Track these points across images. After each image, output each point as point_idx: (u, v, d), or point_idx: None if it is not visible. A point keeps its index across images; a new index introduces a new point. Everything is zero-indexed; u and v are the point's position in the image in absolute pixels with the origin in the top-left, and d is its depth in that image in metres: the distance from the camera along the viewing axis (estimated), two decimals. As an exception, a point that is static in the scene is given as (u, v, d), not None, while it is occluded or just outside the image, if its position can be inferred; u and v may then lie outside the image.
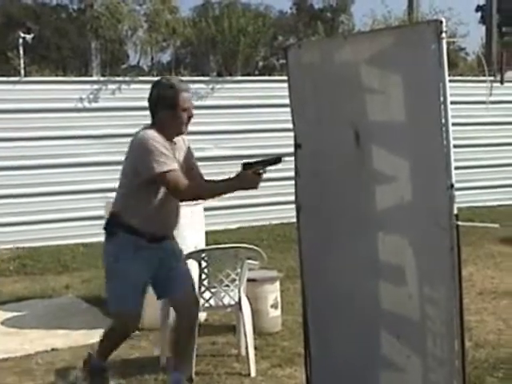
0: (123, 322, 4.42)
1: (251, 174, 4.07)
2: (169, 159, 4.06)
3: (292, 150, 4.11)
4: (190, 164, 4.39)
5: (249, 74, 12.36)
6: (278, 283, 6.08)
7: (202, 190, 4.36)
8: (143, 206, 4.21)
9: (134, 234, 4.22)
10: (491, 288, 7.12)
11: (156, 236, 4.31)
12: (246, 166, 4.10)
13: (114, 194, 7.26)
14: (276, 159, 4.09)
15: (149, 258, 4.30)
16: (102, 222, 7.06)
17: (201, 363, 5.16)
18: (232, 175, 4.16)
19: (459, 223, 3.41)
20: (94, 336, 5.87)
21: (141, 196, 4.19)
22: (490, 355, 5.16)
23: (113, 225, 4.32)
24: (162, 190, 4.18)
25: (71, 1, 37.19)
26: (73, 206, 10.50)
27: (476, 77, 13.17)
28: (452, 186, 3.38)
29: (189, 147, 4.44)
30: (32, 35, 20.56)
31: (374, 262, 3.74)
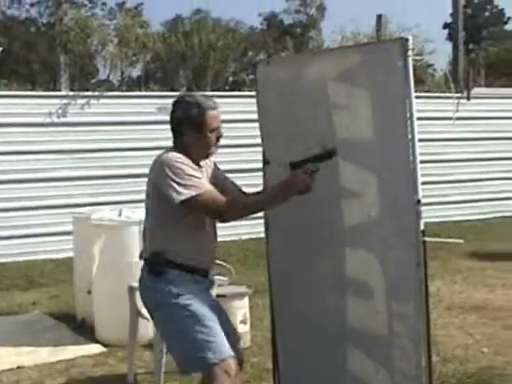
0: (223, 378, 3.45)
1: (301, 175, 3.45)
2: (199, 180, 3.49)
3: (260, 165, 4.12)
4: (222, 184, 3.78)
5: (219, 89, 12.37)
6: (246, 299, 6.06)
7: (245, 204, 3.62)
8: (186, 236, 3.59)
9: (185, 270, 3.59)
10: (459, 303, 7.16)
11: (207, 268, 3.73)
12: (293, 165, 3.52)
13: (82, 209, 7.27)
14: (329, 153, 3.55)
15: (206, 290, 3.74)
16: (70, 237, 7.10)
17: (169, 380, 5.11)
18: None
19: (426, 239, 3.44)
20: (61, 353, 5.82)
21: (181, 226, 3.58)
22: (457, 370, 5.18)
23: (159, 264, 3.58)
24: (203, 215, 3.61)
25: (41, 15, 37.07)
26: (40, 221, 10.40)
27: (443, 93, 13.32)
28: (419, 201, 3.41)
29: (215, 165, 3.86)
30: (0, 49, 20.43)
31: (341, 278, 3.75)
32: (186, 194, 3.44)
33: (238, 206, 3.56)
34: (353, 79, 3.64)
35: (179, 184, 3.45)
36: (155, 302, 3.62)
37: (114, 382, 5.22)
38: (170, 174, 3.47)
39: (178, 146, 3.65)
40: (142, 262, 3.74)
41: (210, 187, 3.54)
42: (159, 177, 3.53)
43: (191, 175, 3.49)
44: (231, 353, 3.48)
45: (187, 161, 3.54)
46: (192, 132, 3.61)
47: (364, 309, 3.68)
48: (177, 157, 3.53)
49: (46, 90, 14.64)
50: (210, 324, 3.50)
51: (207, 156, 3.70)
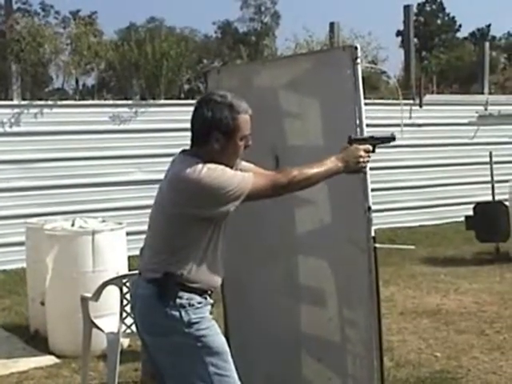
0: None
1: (362, 151, 3.24)
2: (239, 174, 3.14)
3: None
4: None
5: (172, 98, 12.34)
6: (201, 307, 6.04)
7: (303, 177, 3.18)
8: (207, 255, 3.19)
9: (199, 293, 3.20)
10: (412, 308, 7.23)
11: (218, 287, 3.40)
12: (353, 141, 3.31)
13: (35, 219, 7.18)
14: (390, 138, 3.43)
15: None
16: (23, 248, 7.00)
17: (123, 390, 5.09)
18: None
19: (377, 245, 3.47)
20: (14, 366, 5.74)
21: (204, 244, 3.17)
22: (410, 375, 5.23)
23: (172, 287, 3.15)
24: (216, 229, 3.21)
25: (-8, 23, 36.59)
26: (-8, 231, 10.25)
27: (396, 100, 13.46)
28: (369, 208, 3.45)
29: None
30: (-50, 58, 20.10)
31: (294, 285, 3.77)
32: (240, 196, 3.08)
33: (298, 177, 3.17)
34: (303, 87, 3.66)
35: (228, 195, 3.05)
36: (161, 326, 3.17)
37: (68, 394, 5.16)
38: (214, 195, 3.04)
39: (200, 155, 3.14)
40: (139, 279, 3.30)
41: (252, 173, 3.19)
42: (195, 199, 3.07)
43: (232, 176, 3.09)
44: None
45: (217, 164, 3.10)
46: (220, 138, 3.13)
47: (317, 315, 3.70)
48: (209, 168, 3.06)
49: (-2, 99, 14.45)
50: (226, 358, 3.19)
51: (231, 167, 3.18)
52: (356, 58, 3.39)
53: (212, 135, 3.13)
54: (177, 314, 3.13)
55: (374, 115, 10.52)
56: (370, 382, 3.47)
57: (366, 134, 3.33)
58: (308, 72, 3.63)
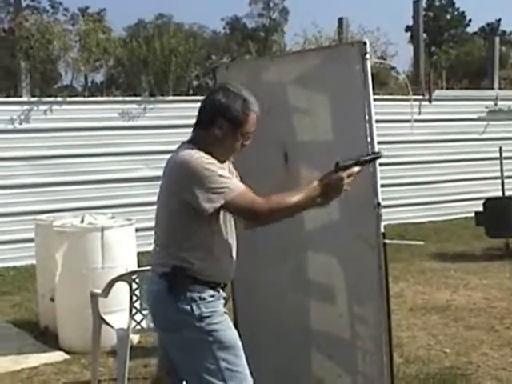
0: None
1: (345, 178, 3.16)
2: (231, 179, 3.13)
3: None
4: None
5: (181, 94, 12.34)
6: (211, 303, 6.05)
7: (287, 205, 3.12)
8: (213, 247, 3.19)
9: (211, 287, 3.19)
10: (422, 304, 7.22)
11: (231, 279, 3.44)
12: (341, 168, 3.18)
13: (44, 216, 7.19)
14: (376, 156, 3.36)
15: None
16: (32, 244, 7.02)
17: (133, 386, 5.10)
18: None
19: (386, 241, 3.46)
20: (24, 362, 5.76)
21: (209, 235, 3.16)
22: (420, 371, 5.22)
23: (182, 280, 3.13)
24: (227, 219, 3.24)
25: (1, 20, 36.69)
26: (2, 228, 10.28)
27: (405, 96, 13.42)
28: (379, 204, 3.43)
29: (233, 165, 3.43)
30: (-40, 55, 20.17)
31: (303, 282, 3.76)
32: (220, 199, 3.04)
33: (279, 206, 3.11)
34: (312, 82, 3.65)
35: (211, 189, 3.03)
36: (172, 321, 3.17)
37: (78, 390, 5.18)
38: (199, 178, 3.03)
39: (198, 140, 3.18)
40: (152, 274, 3.27)
41: (243, 186, 3.12)
42: (184, 182, 3.08)
43: (221, 175, 3.06)
44: None
45: (213, 160, 3.10)
46: (225, 125, 3.13)
47: (326, 312, 3.69)
48: (200, 156, 3.08)
49: (7, 96, 14.47)
50: (237, 353, 3.18)
51: (224, 160, 3.22)
52: (365, 54, 3.38)
53: (217, 121, 3.13)
54: (188, 307, 3.11)
55: (384, 111, 10.49)
56: (380, 378, 3.46)
57: (352, 160, 3.19)
58: (317, 67, 3.62)
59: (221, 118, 3.13)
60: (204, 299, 3.14)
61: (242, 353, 3.20)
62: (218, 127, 3.13)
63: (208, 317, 3.13)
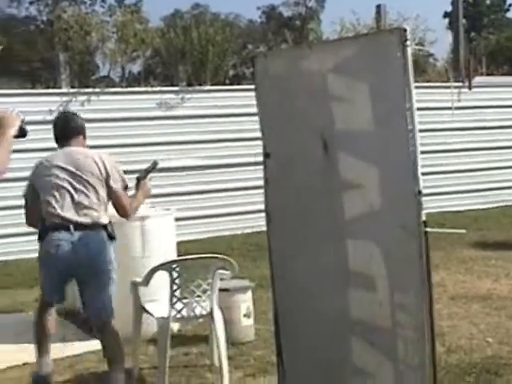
0: None
1: (148, 183, 5.11)
2: None
3: (261, 158, 4.11)
4: None
5: (218, 84, 12.36)
6: (250, 292, 6.07)
7: (134, 209, 5.04)
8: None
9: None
10: (463, 293, 7.16)
11: None
12: (140, 178, 5.08)
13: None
14: (154, 165, 5.17)
15: None
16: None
17: (174, 374, 5.13)
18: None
19: (427, 229, 3.43)
20: (67, 350, 5.83)
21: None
22: (462, 360, 5.19)
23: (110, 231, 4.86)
24: None
25: (40, 12, 37.07)
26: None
27: (445, 83, 13.28)
28: (420, 192, 3.40)
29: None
30: (0, 47, 20.37)
31: (343, 270, 3.74)
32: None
33: (133, 208, 5.01)
34: (351, 71, 3.62)
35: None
36: (109, 262, 4.78)
37: (119, 378, 5.21)
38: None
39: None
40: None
41: None
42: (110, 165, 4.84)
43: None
44: None
45: None
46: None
47: (367, 300, 3.67)
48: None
49: (47, 87, 14.63)
50: None
51: None
52: (405, 41, 3.34)
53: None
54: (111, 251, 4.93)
55: (423, 98, 10.39)
56: (422, 367, 3.44)
57: (143, 171, 5.16)
58: (357, 55, 3.59)
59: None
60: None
61: None
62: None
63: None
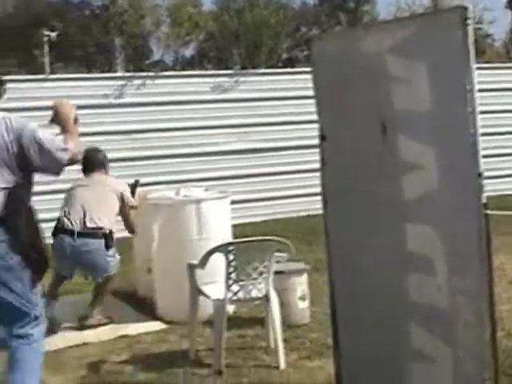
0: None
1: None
2: None
3: (317, 141, 4.09)
4: None
5: (272, 67, 12.33)
6: (306, 275, 6.06)
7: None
8: None
9: None
10: (522, 277, 7.04)
11: None
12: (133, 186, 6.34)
13: (139, 189, 7.34)
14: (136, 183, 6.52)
15: None
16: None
17: (230, 356, 5.15)
18: None
19: (488, 212, 3.37)
20: (124, 330, 5.91)
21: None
22: (521, 344, 5.11)
23: None
24: None
25: (95, -3, 37.34)
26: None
27: (504, 63, 13.01)
28: (480, 174, 3.34)
29: None
30: (56, 33, 20.64)
31: (402, 253, 3.71)
32: None
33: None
34: (410, 51, 3.57)
35: None
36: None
37: (176, 359, 5.28)
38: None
39: None
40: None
41: None
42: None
43: None
44: None
45: None
46: None
47: (426, 283, 3.63)
48: None
49: (102, 71, 14.77)
50: None
51: None
52: (466, 19, 3.27)
53: None
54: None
55: (482, 79, 10.19)
56: (482, 351, 3.39)
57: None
58: (415, 35, 3.53)
59: None
60: None
61: None
62: None
63: None
